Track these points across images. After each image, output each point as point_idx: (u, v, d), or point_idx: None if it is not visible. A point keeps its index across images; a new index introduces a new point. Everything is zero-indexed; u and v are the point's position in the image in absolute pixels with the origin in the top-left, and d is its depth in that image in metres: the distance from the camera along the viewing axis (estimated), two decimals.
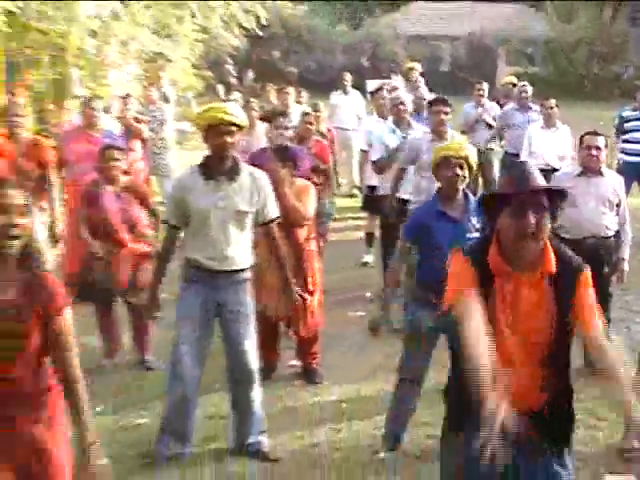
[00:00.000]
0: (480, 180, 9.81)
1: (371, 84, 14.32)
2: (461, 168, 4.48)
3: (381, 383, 5.38)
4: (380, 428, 4.73)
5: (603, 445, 4.73)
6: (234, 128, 4.30)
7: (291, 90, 10.85)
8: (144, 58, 14.63)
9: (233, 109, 4.42)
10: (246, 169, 4.43)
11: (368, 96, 11.55)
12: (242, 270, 4.45)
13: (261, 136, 8.23)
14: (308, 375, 5.67)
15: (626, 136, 9.23)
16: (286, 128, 6.53)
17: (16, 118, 6.47)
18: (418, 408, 4.66)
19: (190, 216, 4.35)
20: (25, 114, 6.76)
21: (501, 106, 10.49)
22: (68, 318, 2.97)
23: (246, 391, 4.51)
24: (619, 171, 6.88)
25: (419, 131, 7.17)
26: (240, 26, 17.65)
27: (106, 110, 8.50)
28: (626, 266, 5.69)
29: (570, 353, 2.88)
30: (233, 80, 18.68)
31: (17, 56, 12.03)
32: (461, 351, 3.00)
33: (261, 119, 8.43)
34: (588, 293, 2.80)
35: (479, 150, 5.86)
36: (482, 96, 10.30)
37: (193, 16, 15.98)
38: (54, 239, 6.36)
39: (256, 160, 5.49)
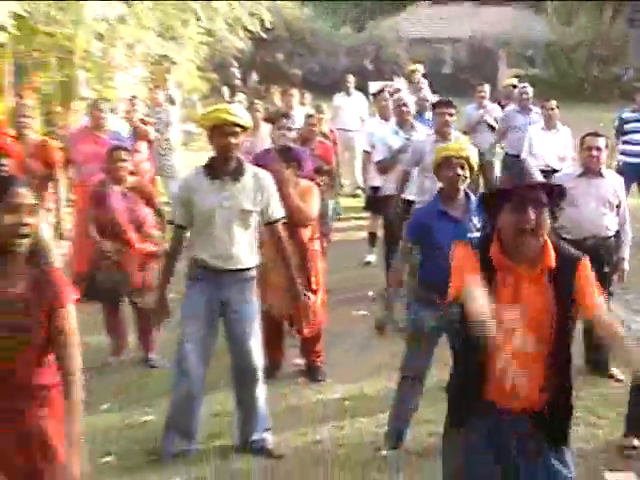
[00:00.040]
0: (481, 181, 9.80)
1: (374, 86, 14.31)
2: (462, 168, 4.49)
3: (384, 381, 5.38)
4: (383, 426, 4.73)
5: (603, 442, 4.72)
6: (238, 129, 4.30)
7: (295, 92, 10.85)
8: (150, 60, 14.65)
9: (237, 110, 4.43)
10: (250, 169, 4.43)
11: (371, 98, 11.55)
12: (247, 269, 4.45)
13: (265, 137, 8.24)
14: (312, 373, 5.67)
15: (626, 137, 9.21)
16: (289, 129, 6.53)
17: (24, 119, 6.49)
18: (420, 406, 4.66)
19: (196, 216, 4.35)
20: (33, 116, 6.78)
21: (502, 107, 10.48)
22: (72, 315, 2.97)
23: (250, 389, 4.51)
24: (619, 172, 6.86)
25: (422, 132, 7.18)
26: (244, 29, 17.65)
27: (113, 111, 8.51)
28: (626, 265, 5.69)
29: (570, 351, 2.87)
30: (238, 82, 18.68)
31: (25, 58, 12.06)
32: (462, 350, 3.00)
33: (265, 120, 8.44)
34: (588, 279, 2.81)
35: (480, 151, 5.85)
36: (483, 98, 10.29)
37: (198, 19, 15.99)
38: (59, 238, 6.37)
39: (260, 161, 5.49)
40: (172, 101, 10.65)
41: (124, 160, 5.60)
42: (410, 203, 6.47)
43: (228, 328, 4.49)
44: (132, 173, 5.77)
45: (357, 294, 7.50)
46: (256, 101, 10.10)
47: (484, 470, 2.84)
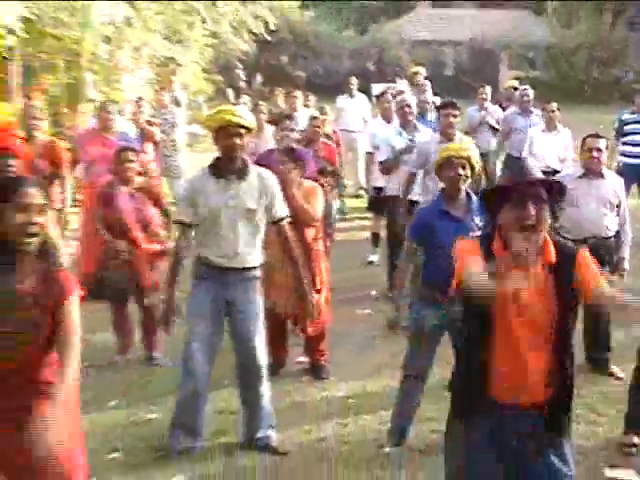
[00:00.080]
0: (484, 182, 9.79)
1: (376, 88, 14.34)
2: (463, 168, 4.49)
3: (387, 379, 5.37)
4: (386, 423, 4.73)
5: (603, 440, 4.71)
6: (243, 130, 4.31)
7: (299, 94, 10.86)
8: (156, 63, 14.67)
9: (242, 112, 4.44)
10: (255, 169, 4.44)
11: (374, 99, 11.55)
12: (252, 268, 4.45)
13: (269, 138, 8.24)
14: (316, 371, 5.66)
15: (625, 139, 9.20)
16: (292, 130, 6.52)
17: (34, 121, 6.50)
18: (423, 404, 4.65)
19: (201, 215, 4.35)
20: (42, 117, 6.79)
21: (503, 109, 10.49)
22: (75, 308, 2.97)
23: (255, 387, 4.50)
24: (619, 173, 6.85)
25: (426, 134, 7.18)
26: (249, 31, 17.68)
27: (120, 113, 8.52)
28: (626, 265, 5.68)
29: (573, 345, 2.85)
30: (242, 84, 18.67)
31: (33, 61, 12.10)
32: (464, 348, 2.99)
33: (269, 122, 8.44)
34: (588, 267, 2.80)
35: (481, 152, 5.86)
36: (485, 99, 10.29)
37: (203, 22, 16.01)
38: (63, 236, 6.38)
39: (263, 161, 5.49)
40: (177, 103, 10.65)
41: (131, 161, 5.61)
42: (414, 203, 6.46)
43: (233, 327, 4.48)
44: (140, 174, 5.78)
45: (360, 293, 7.50)
46: (260, 103, 10.11)
47: (486, 469, 2.83)
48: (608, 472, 4.34)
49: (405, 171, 6.83)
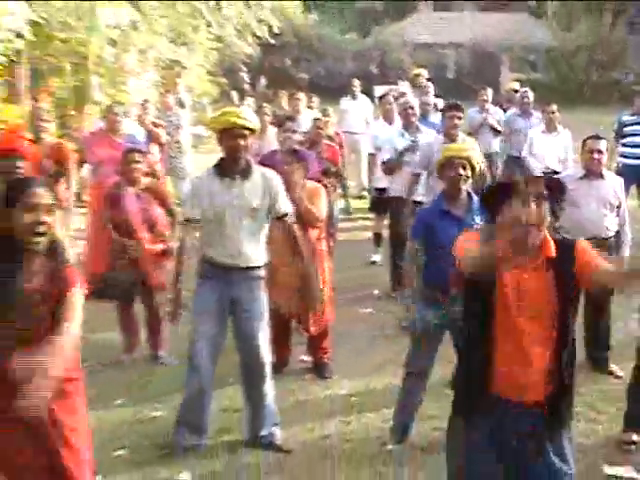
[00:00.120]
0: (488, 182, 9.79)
1: (379, 90, 14.31)
2: (464, 168, 4.50)
3: (389, 378, 5.37)
4: (388, 421, 4.72)
5: (602, 437, 4.70)
6: (247, 131, 4.31)
7: (302, 96, 10.86)
8: (161, 65, 14.69)
9: (246, 113, 4.44)
10: (258, 169, 4.44)
11: (376, 101, 11.54)
12: (256, 267, 4.45)
13: (272, 140, 8.24)
14: (319, 370, 5.66)
15: (625, 140, 9.19)
16: (294, 131, 6.53)
17: (42, 123, 6.51)
18: (424, 402, 4.65)
19: (207, 215, 4.35)
20: (50, 119, 6.80)
21: (504, 111, 10.49)
22: (78, 299, 2.97)
23: (259, 385, 4.50)
24: (618, 174, 6.84)
25: (428, 135, 7.19)
26: (253, 35, 17.69)
27: (125, 115, 8.53)
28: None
29: (574, 342, 2.84)
30: (246, 86, 18.69)
31: (41, 64, 12.11)
32: (465, 346, 2.99)
33: (273, 124, 8.44)
34: (586, 253, 2.79)
35: (486, 154, 5.89)
36: (486, 101, 10.28)
37: (208, 25, 16.03)
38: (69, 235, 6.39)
39: (267, 162, 5.49)
40: (182, 105, 10.66)
41: (138, 162, 5.62)
42: (417, 204, 6.46)
43: (237, 325, 4.48)
44: (147, 174, 5.78)
45: (363, 293, 7.50)
46: (264, 105, 10.10)
47: (486, 469, 2.81)
48: (607, 469, 4.33)
49: (409, 172, 6.83)
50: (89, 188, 7.69)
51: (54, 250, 3.00)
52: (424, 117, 8.22)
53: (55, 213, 3.02)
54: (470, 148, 4.71)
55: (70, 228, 6.47)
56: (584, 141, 5.73)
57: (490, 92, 10.46)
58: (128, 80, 13.13)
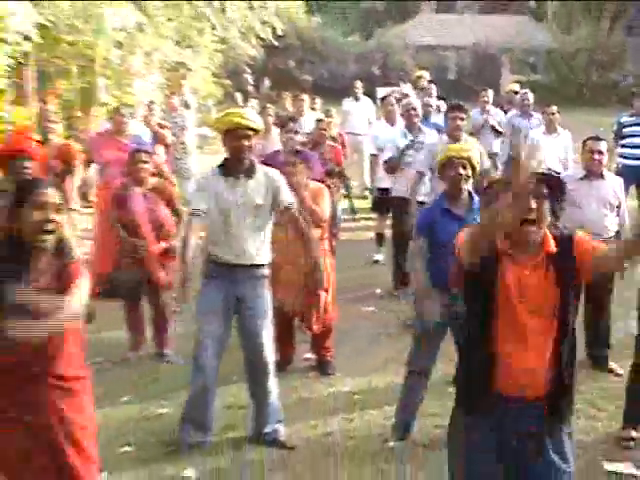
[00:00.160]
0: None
1: (381, 91, 14.31)
2: (464, 168, 4.52)
3: (391, 375, 5.36)
4: (390, 418, 4.72)
5: (602, 434, 4.69)
6: (251, 132, 4.31)
7: (305, 97, 10.86)
8: (166, 67, 14.71)
9: (250, 114, 4.45)
10: (261, 168, 4.44)
11: (379, 102, 11.54)
12: (260, 265, 4.45)
13: (276, 141, 8.24)
14: (322, 367, 5.65)
15: (624, 141, 9.17)
16: (296, 132, 6.52)
17: (49, 124, 6.53)
18: (426, 399, 4.64)
19: (212, 213, 4.35)
20: (57, 121, 6.82)
21: (505, 112, 10.48)
22: (83, 287, 2.98)
23: (263, 382, 4.50)
24: (618, 174, 6.83)
25: (430, 135, 7.20)
26: (257, 37, 17.71)
27: (131, 116, 8.53)
28: (626, 263, 5.66)
29: (575, 336, 2.83)
30: (250, 88, 18.71)
31: (48, 66, 12.14)
32: (467, 341, 2.97)
33: (276, 125, 8.44)
34: (585, 243, 2.78)
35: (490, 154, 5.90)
36: (487, 103, 10.28)
37: (213, 28, 16.05)
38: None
39: (269, 162, 5.48)
40: (187, 106, 10.66)
41: (145, 162, 5.62)
42: (421, 204, 6.45)
43: (242, 323, 4.48)
44: (153, 174, 5.79)
45: (365, 292, 7.50)
46: (268, 106, 10.11)
47: (486, 469, 2.80)
48: (607, 465, 4.32)
49: (412, 172, 6.83)
50: (96, 189, 7.69)
51: (61, 249, 3.01)
52: (426, 118, 8.22)
53: (63, 212, 3.03)
54: (470, 148, 4.71)
55: (76, 227, 6.48)
56: (584, 142, 5.72)
57: (491, 93, 10.45)
58: (134, 82, 13.15)
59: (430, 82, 11.49)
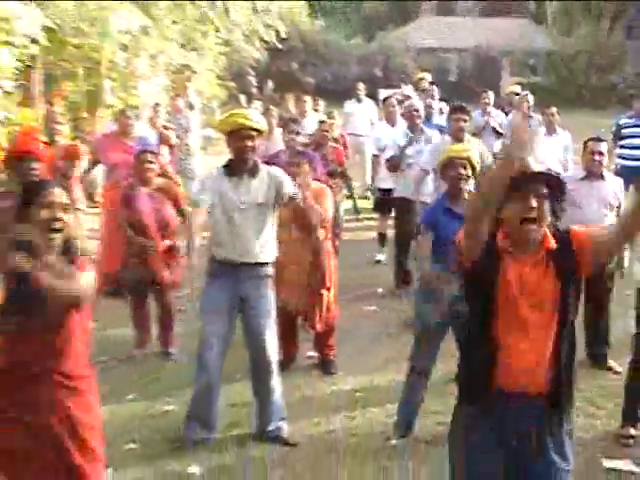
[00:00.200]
0: None
1: (384, 93, 14.30)
2: (464, 168, 4.55)
3: (393, 374, 5.36)
4: (392, 416, 4.72)
5: (601, 432, 4.69)
6: (254, 132, 4.31)
7: (308, 99, 10.86)
8: (171, 70, 14.73)
9: (253, 115, 4.45)
10: (264, 168, 4.45)
11: (381, 104, 11.54)
12: (264, 264, 4.45)
13: (279, 142, 8.24)
14: (325, 366, 5.65)
15: (623, 142, 9.14)
16: (297, 133, 6.52)
17: (56, 126, 6.53)
18: (427, 397, 4.65)
19: (216, 212, 4.35)
20: (63, 122, 6.83)
21: (506, 114, 10.48)
22: (89, 277, 2.99)
23: (267, 381, 4.50)
24: (617, 175, 6.83)
25: (433, 136, 7.21)
26: (261, 40, 17.72)
27: (137, 118, 8.54)
28: (626, 263, 5.67)
29: (574, 332, 2.83)
30: (254, 90, 18.71)
31: (55, 69, 12.14)
32: (467, 342, 2.97)
33: (280, 126, 8.44)
34: (581, 233, 2.78)
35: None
36: (487, 104, 10.27)
37: (217, 31, 16.06)
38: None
39: (272, 162, 5.48)
40: (192, 108, 10.67)
41: (151, 162, 5.63)
42: (424, 205, 6.45)
43: (246, 323, 4.48)
44: (159, 175, 5.80)
45: (367, 291, 7.49)
46: (271, 108, 10.11)
47: (486, 469, 2.78)
48: (606, 462, 4.32)
49: (415, 173, 6.83)
50: (102, 189, 7.69)
51: (68, 248, 3.01)
52: (427, 119, 8.23)
53: (71, 212, 3.04)
54: (470, 148, 4.73)
55: (83, 227, 6.48)
56: (585, 143, 5.72)
57: (492, 95, 10.45)
58: (139, 84, 13.16)
59: (431, 84, 11.48)
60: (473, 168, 4.57)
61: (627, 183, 8.13)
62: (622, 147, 9.13)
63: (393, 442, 4.53)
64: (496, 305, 2.73)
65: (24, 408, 2.93)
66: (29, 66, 10.98)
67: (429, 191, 6.56)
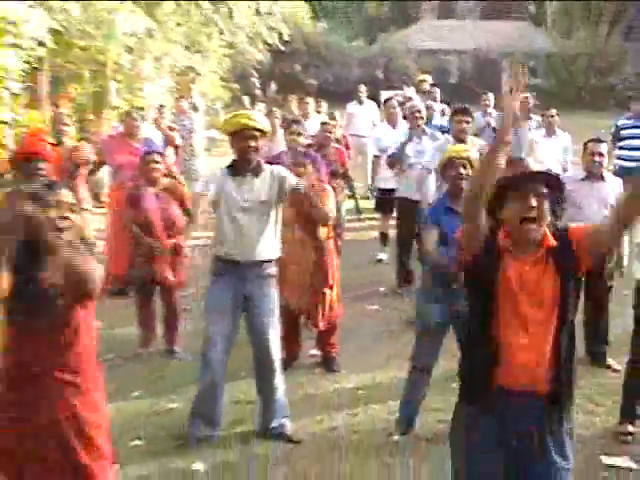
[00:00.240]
0: None
1: (385, 95, 14.29)
2: (464, 167, 4.55)
3: (394, 371, 5.36)
4: (394, 413, 4.72)
5: (600, 429, 4.69)
6: (257, 133, 4.31)
7: (311, 101, 10.86)
8: (176, 72, 14.73)
9: (256, 116, 4.46)
10: (267, 168, 4.45)
11: (382, 106, 11.54)
12: (268, 263, 4.45)
13: (282, 143, 8.24)
14: (327, 364, 5.65)
15: (622, 143, 9.13)
16: (299, 134, 6.53)
17: (62, 127, 6.53)
18: (429, 395, 4.64)
19: (220, 214, 4.36)
20: (70, 124, 6.83)
21: None
22: (100, 271, 3.00)
23: (270, 378, 4.50)
24: (615, 175, 6.82)
25: (434, 137, 7.21)
26: (264, 42, 17.72)
27: (142, 119, 8.55)
28: (626, 262, 5.66)
29: (574, 329, 2.82)
30: (257, 92, 18.70)
31: (61, 71, 12.15)
32: (467, 341, 2.96)
33: (283, 127, 8.44)
34: (579, 228, 2.79)
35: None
36: (488, 106, 10.26)
37: (221, 33, 16.06)
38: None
39: (275, 162, 5.48)
40: (196, 109, 10.68)
41: (157, 162, 5.64)
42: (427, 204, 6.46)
43: (250, 321, 4.48)
44: (165, 175, 5.81)
45: (369, 290, 7.49)
46: (274, 109, 10.11)
47: (486, 469, 2.77)
48: (605, 459, 4.33)
49: (417, 172, 6.84)
50: (108, 189, 7.70)
51: (75, 247, 3.02)
52: (429, 120, 8.23)
53: (78, 212, 3.05)
54: (469, 148, 4.74)
55: (89, 227, 6.48)
56: (585, 144, 5.72)
57: (492, 97, 10.44)
58: (144, 86, 13.17)
59: (433, 85, 11.47)
60: (473, 168, 4.58)
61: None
62: (621, 148, 9.12)
63: (395, 439, 4.53)
64: (496, 304, 2.73)
65: (25, 408, 2.93)
66: (36, 68, 10.99)
67: (431, 191, 6.56)
